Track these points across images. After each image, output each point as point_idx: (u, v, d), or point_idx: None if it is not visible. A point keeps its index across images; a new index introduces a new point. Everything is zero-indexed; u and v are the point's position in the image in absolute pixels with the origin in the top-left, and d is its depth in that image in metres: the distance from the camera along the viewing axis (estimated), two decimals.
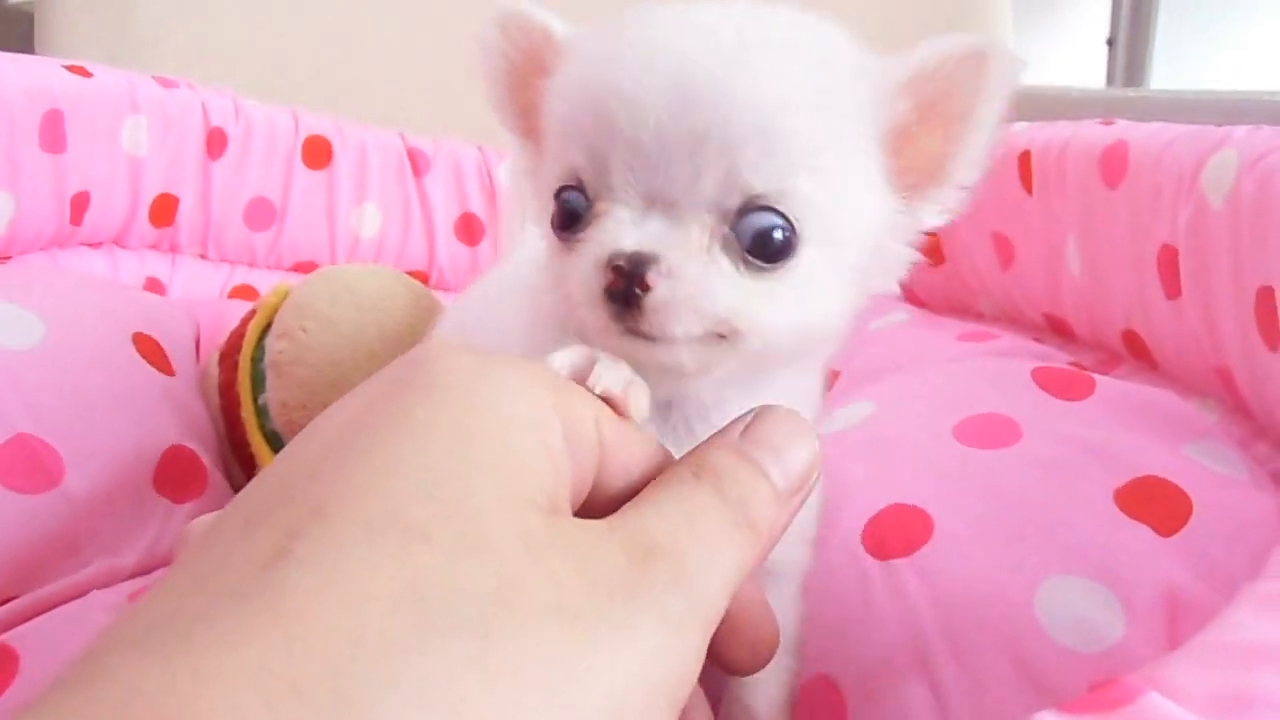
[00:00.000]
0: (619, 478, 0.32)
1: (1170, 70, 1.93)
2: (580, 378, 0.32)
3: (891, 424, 0.55)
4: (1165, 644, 0.39)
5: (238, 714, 0.21)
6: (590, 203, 0.35)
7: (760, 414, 0.33)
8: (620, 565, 0.29)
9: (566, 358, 0.33)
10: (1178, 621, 0.39)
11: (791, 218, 0.34)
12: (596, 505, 0.32)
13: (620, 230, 0.33)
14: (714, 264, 0.34)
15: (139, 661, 0.22)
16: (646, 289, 0.33)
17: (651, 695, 0.27)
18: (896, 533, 0.46)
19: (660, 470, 0.33)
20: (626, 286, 0.33)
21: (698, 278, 0.33)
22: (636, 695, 0.27)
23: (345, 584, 0.24)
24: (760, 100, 0.33)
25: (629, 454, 0.32)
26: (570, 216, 0.36)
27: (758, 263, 0.34)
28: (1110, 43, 2.03)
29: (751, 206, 0.34)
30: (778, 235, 0.34)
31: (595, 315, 0.34)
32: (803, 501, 0.32)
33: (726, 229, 0.34)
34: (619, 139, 0.34)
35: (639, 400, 0.33)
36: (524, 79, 0.40)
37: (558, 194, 0.36)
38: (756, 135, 0.33)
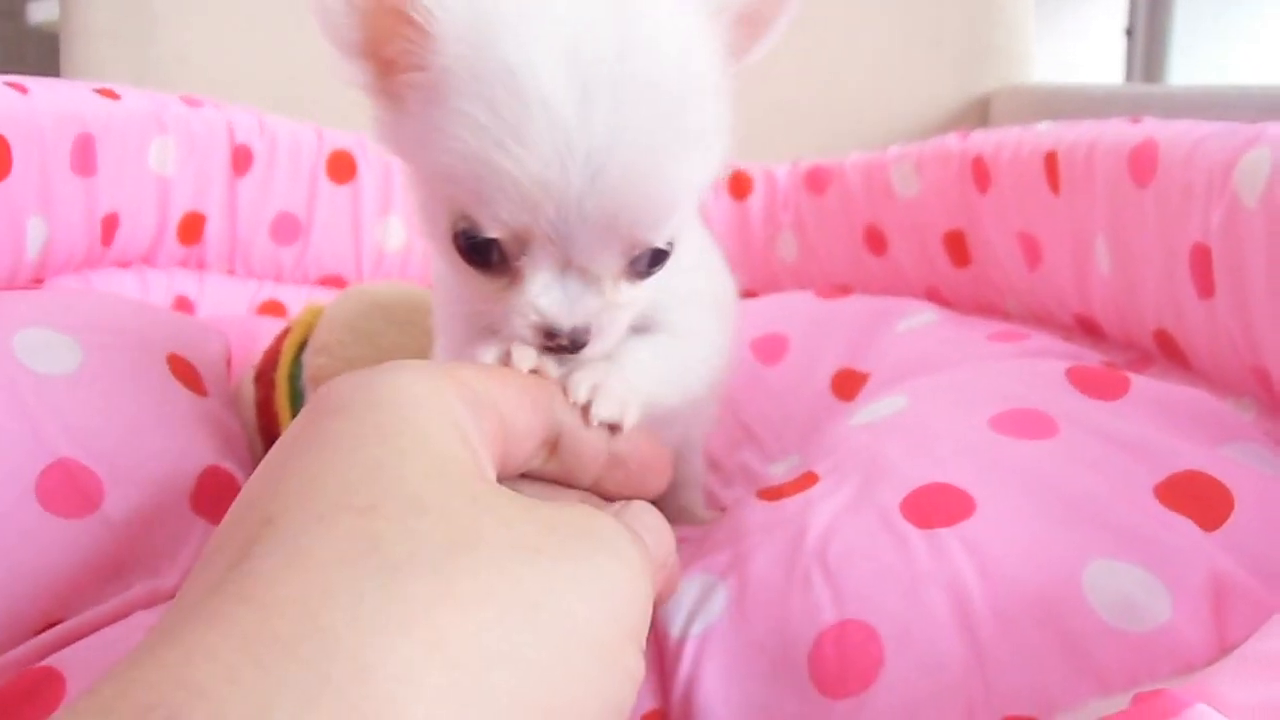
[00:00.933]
0: (522, 448, 0.37)
1: (1189, 60, 1.92)
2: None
3: (925, 415, 0.54)
4: (1212, 629, 0.38)
5: (231, 676, 0.22)
6: (504, 254, 0.40)
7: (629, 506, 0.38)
8: (570, 515, 0.31)
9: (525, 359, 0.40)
10: (1224, 607, 0.39)
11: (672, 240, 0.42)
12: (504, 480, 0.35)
13: (548, 301, 0.40)
14: (622, 308, 0.42)
15: (130, 664, 0.23)
16: (581, 349, 0.41)
17: (617, 626, 0.29)
18: (938, 506, 0.46)
19: (550, 431, 0.39)
20: (569, 348, 0.40)
21: (617, 327, 0.42)
22: (604, 623, 0.28)
23: (308, 559, 0.25)
24: (671, 180, 0.39)
25: (524, 423, 0.37)
26: (479, 253, 0.40)
27: (646, 275, 0.42)
28: (1129, 32, 2.02)
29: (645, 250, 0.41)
30: (664, 257, 0.42)
31: (527, 346, 0.41)
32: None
33: (626, 267, 0.41)
34: (539, 229, 0.38)
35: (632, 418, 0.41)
36: (380, 34, 0.41)
37: (462, 232, 0.40)
38: (665, 207, 0.39)
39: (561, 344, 0.40)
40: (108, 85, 0.81)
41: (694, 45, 0.41)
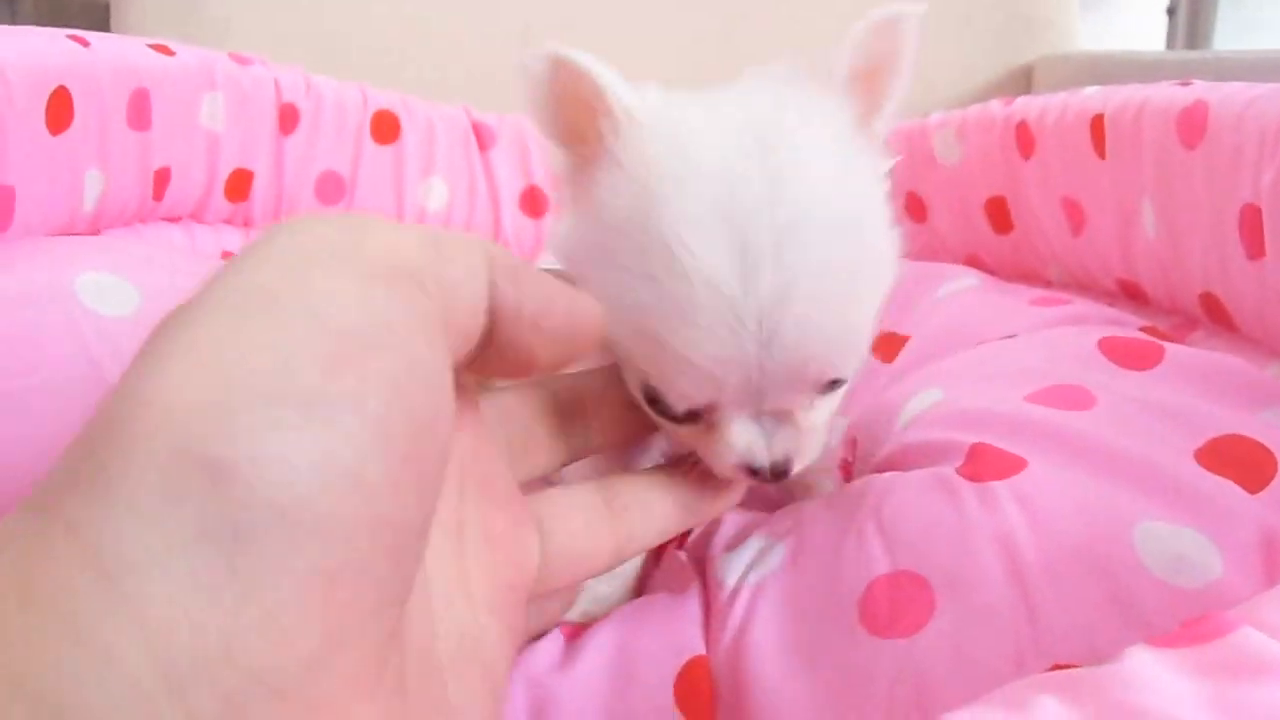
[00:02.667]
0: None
1: (1232, 41, 1.89)
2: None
3: (963, 401, 0.55)
4: (1263, 584, 0.39)
5: None
6: (691, 411, 0.40)
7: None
8: None
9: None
10: (1275, 563, 0.39)
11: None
12: None
13: (745, 443, 0.40)
14: (815, 416, 0.42)
15: None
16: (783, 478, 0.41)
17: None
18: (989, 464, 0.47)
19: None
20: (771, 479, 0.41)
21: (818, 441, 0.42)
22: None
23: None
24: (854, 323, 0.39)
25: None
26: (668, 408, 0.40)
27: (830, 394, 0.42)
28: (1170, 12, 1.98)
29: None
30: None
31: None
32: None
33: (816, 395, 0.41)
34: (725, 397, 0.39)
35: None
36: (575, 116, 0.41)
37: (646, 389, 0.40)
38: (852, 348, 0.40)
39: (764, 478, 0.41)
40: (162, 41, 0.83)
41: (846, 161, 0.40)
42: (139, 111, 0.77)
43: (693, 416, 0.41)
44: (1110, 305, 0.74)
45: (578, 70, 0.39)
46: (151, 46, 0.80)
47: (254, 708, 0.19)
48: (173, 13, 1.15)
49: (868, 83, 0.42)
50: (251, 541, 0.19)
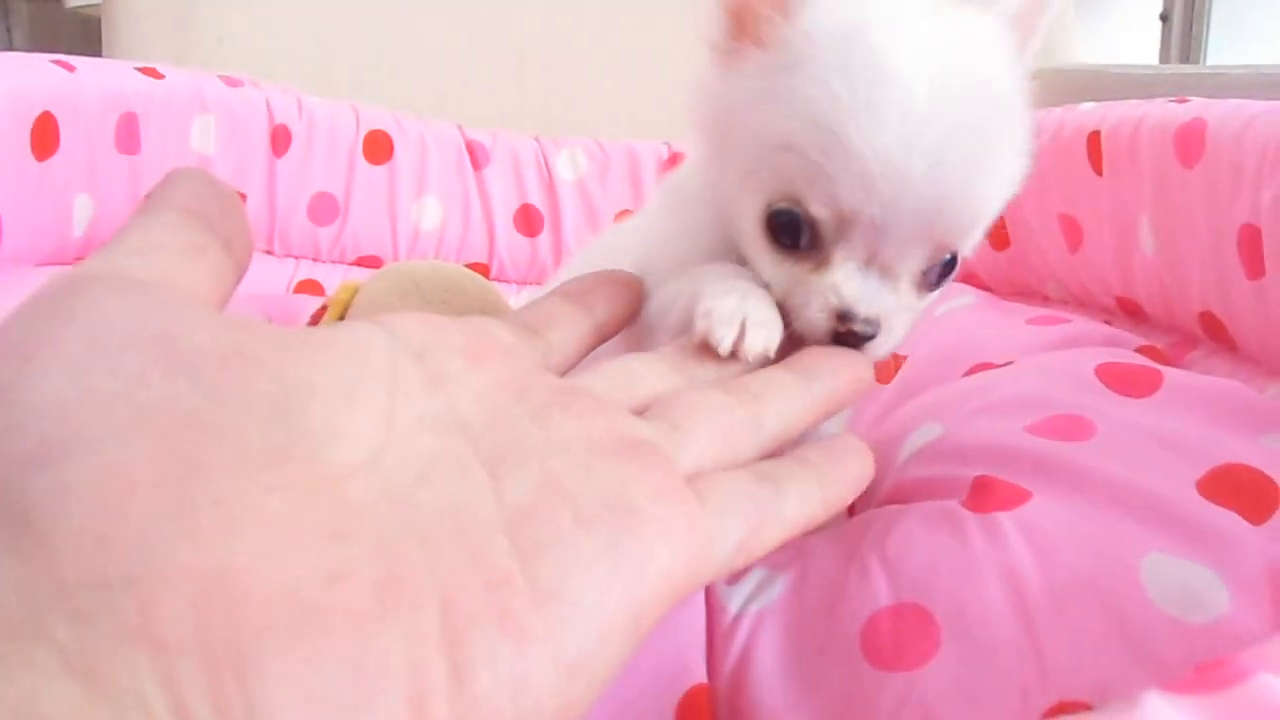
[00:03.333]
0: None
1: (1227, 48, 1.89)
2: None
3: (963, 437, 0.54)
4: (1270, 618, 0.38)
5: None
6: (816, 237, 0.40)
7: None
8: None
9: (727, 331, 0.38)
10: None
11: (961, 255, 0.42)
12: None
13: (852, 288, 0.40)
14: (908, 307, 0.42)
15: None
16: (869, 342, 0.41)
17: None
18: (993, 496, 0.46)
19: None
20: (854, 340, 0.40)
21: (902, 326, 0.42)
22: None
23: None
24: (991, 186, 0.40)
25: None
26: (790, 233, 0.41)
27: (932, 289, 0.43)
28: (1164, 18, 1.99)
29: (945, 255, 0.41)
30: (954, 265, 0.43)
31: (816, 332, 0.41)
32: None
33: (921, 273, 0.42)
34: (869, 213, 0.39)
35: (755, 343, 0.39)
36: None
37: (779, 211, 0.41)
38: (981, 215, 0.41)
39: (853, 329, 0.40)
40: (151, 63, 0.82)
41: (1009, 60, 0.44)
42: (128, 135, 0.76)
43: (807, 252, 0.41)
44: (1108, 323, 0.73)
45: None
46: (140, 70, 0.80)
47: None
48: (165, 30, 1.14)
49: (1023, 21, 0.46)
50: None
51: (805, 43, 0.40)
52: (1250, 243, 0.56)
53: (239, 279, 0.30)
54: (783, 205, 0.40)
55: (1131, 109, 0.69)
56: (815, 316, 0.40)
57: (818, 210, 0.39)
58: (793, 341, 0.42)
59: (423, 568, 0.24)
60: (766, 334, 0.39)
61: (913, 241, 0.40)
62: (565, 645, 0.24)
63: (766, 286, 0.43)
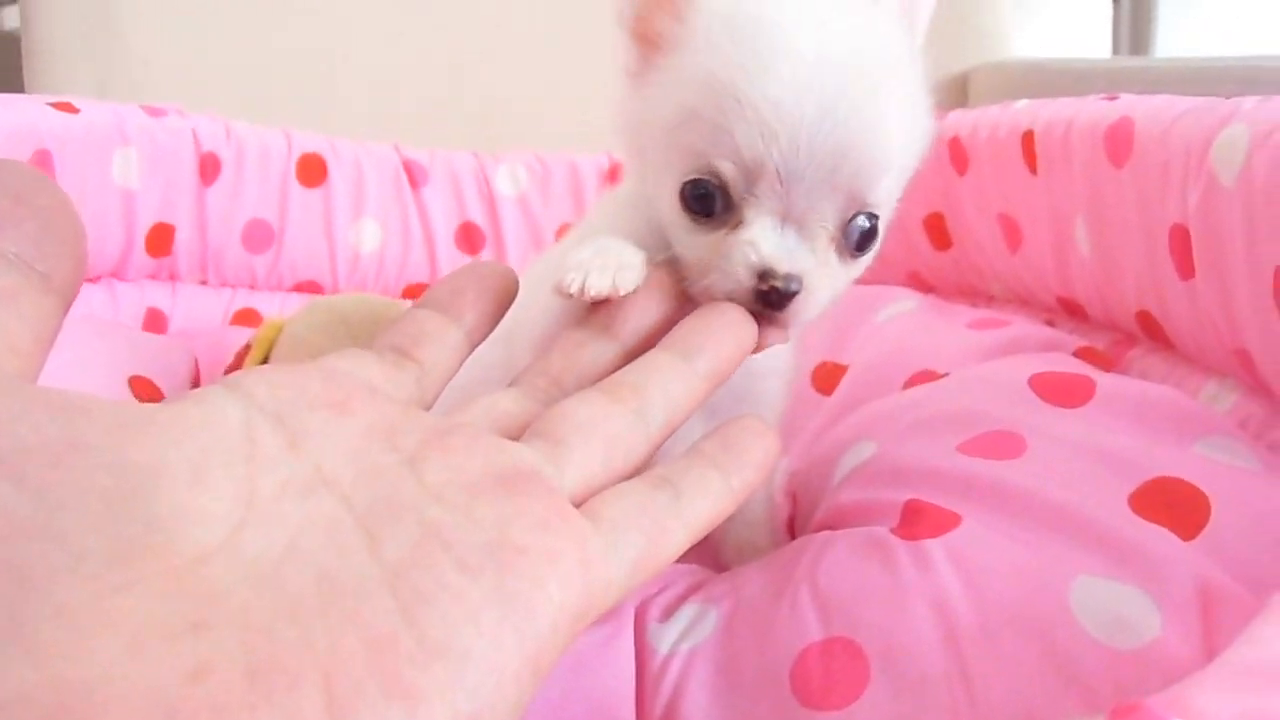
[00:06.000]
0: None
1: (1177, 32, 1.90)
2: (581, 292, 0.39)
3: (894, 455, 0.54)
4: (1201, 641, 0.37)
5: None
6: (728, 201, 0.41)
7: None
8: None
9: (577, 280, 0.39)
10: (1212, 618, 0.38)
11: (880, 215, 0.43)
12: None
13: (769, 244, 0.40)
14: (831, 271, 0.42)
15: None
16: (791, 300, 0.40)
17: None
18: (923, 522, 0.45)
19: None
20: (777, 298, 0.40)
21: (826, 288, 0.42)
22: None
23: None
24: (888, 132, 0.41)
25: None
26: (703, 203, 0.42)
27: (856, 256, 0.43)
28: (1116, 1, 1.99)
29: (858, 213, 0.42)
30: (874, 233, 0.43)
31: (736, 297, 0.41)
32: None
33: (838, 234, 0.42)
34: (771, 161, 0.40)
35: (625, 280, 0.40)
36: (649, 12, 0.44)
37: (691, 182, 0.42)
38: (881, 162, 0.41)
39: (775, 286, 0.40)
40: (65, 98, 0.80)
41: (896, 26, 0.45)
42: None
43: (722, 216, 0.41)
44: (1050, 323, 0.73)
45: None
46: (53, 105, 0.77)
47: None
48: (89, 54, 1.11)
49: (908, 7, 0.47)
50: None
51: (701, 28, 0.42)
52: (1180, 243, 0.55)
53: (67, 308, 0.28)
54: (692, 176, 0.41)
55: (1063, 107, 0.68)
56: (738, 274, 0.40)
57: (723, 166, 0.40)
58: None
59: (297, 645, 0.22)
60: (615, 277, 0.40)
61: (819, 192, 0.40)
62: (459, 700, 0.23)
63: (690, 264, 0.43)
